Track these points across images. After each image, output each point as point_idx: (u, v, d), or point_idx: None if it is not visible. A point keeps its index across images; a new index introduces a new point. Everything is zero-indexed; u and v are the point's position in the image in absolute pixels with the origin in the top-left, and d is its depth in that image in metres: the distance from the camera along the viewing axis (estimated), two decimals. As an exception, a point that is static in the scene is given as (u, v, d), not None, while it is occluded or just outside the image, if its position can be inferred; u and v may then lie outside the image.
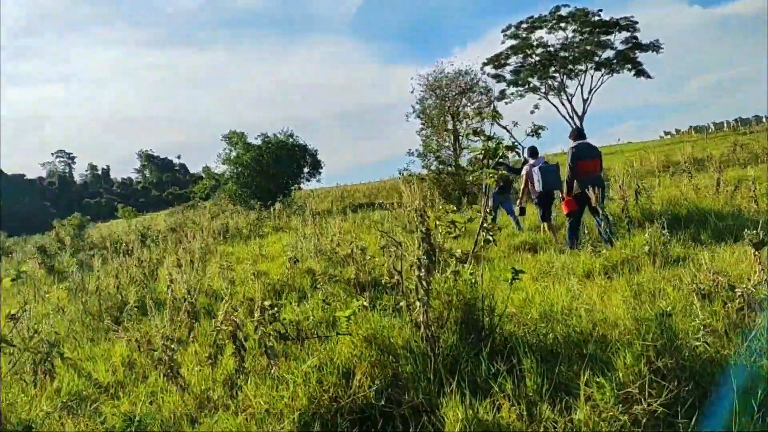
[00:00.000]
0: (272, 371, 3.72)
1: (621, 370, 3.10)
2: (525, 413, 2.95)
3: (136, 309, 6.43)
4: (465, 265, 4.02)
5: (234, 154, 28.97)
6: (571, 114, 48.37)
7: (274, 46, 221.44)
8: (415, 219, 3.72)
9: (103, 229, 31.06)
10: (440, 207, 4.27)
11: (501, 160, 4.27)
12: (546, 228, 9.60)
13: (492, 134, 4.15)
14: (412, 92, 24.45)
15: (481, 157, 4.19)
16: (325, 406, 3.28)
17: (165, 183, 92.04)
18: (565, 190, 8.11)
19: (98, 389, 4.71)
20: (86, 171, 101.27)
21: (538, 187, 9.31)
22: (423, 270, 3.57)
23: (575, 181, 7.95)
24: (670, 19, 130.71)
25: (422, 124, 23.20)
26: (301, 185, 31.07)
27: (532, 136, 4.20)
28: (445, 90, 23.24)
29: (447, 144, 21.39)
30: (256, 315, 3.83)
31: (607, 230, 7.75)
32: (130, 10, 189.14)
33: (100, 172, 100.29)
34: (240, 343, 4.03)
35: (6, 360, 4.46)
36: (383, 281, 6.25)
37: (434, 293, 3.74)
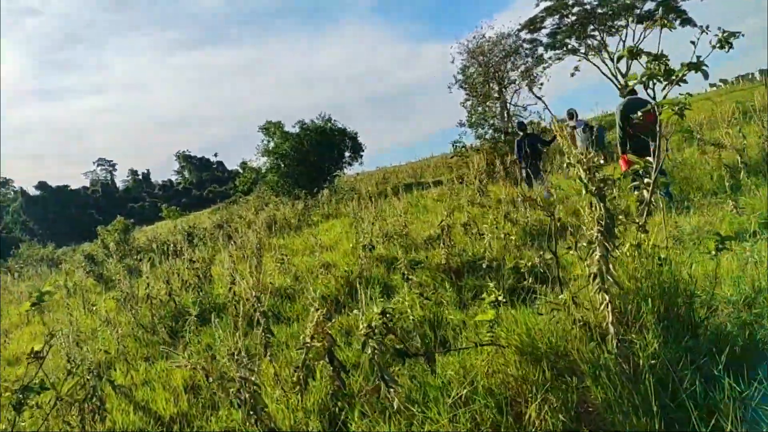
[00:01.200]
0: (394, 403, 2.65)
1: None
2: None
3: (195, 318, 5.49)
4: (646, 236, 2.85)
5: (272, 144, 28.00)
6: (614, 72, 45.63)
7: (302, 36, 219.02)
8: (582, 174, 2.58)
9: (148, 232, 30.80)
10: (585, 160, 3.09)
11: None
12: None
13: (661, 51, 2.95)
14: (452, 62, 23.03)
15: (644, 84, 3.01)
16: (491, 460, 2.20)
17: (205, 182, 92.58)
18: (619, 149, 7.56)
19: (159, 425, 3.79)
20: (127, 177, 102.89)
21: (581, 148, 8.77)
22: (605, 246, 2.43)
23: (627, 139, 7.30)
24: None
25: (467, 94, 21.74)
26: (344, 170, 29.90)
27: (721, 47, 2.96)
28: (488, 56, 21.67)
29: (497, 112, 19.95)
30: (361, 326, 2.77)
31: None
32: (156, 14, 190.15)
33: (140, 177, 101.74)
34: (338, 363, 2.99)
35: (42, 405, 3.54)
36: (483, 264, 5.15)
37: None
